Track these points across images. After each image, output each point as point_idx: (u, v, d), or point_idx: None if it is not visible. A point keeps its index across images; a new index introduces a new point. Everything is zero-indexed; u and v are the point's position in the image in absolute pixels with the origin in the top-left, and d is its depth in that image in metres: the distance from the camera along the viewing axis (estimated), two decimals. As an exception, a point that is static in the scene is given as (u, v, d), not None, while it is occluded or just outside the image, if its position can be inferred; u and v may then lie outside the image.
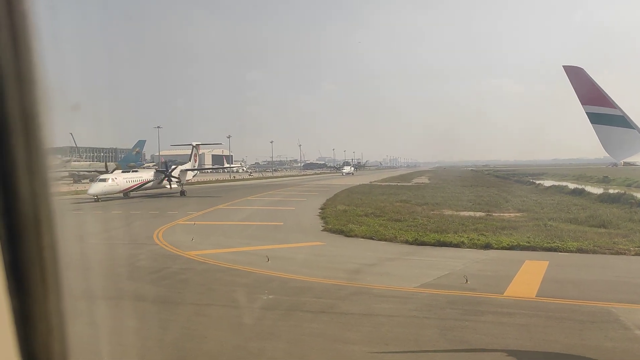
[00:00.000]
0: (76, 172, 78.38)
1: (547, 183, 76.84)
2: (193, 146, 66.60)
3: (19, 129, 1.34)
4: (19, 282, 1.44)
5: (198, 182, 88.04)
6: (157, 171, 57.50)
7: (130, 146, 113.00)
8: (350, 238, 24.93)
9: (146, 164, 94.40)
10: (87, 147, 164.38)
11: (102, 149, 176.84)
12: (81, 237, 25.89)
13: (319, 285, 15.28)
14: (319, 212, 36.42)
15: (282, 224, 30.58)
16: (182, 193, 55.84)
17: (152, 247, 22.36)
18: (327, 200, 47.21)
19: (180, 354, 9.87)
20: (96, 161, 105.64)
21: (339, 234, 26.17)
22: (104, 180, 48.52)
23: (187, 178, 61.38)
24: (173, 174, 56.63)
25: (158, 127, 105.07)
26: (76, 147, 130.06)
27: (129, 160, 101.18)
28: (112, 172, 53.51)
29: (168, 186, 56.10)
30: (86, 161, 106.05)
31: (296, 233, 26.81)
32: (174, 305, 13.63)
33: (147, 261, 19.48)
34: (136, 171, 59.45)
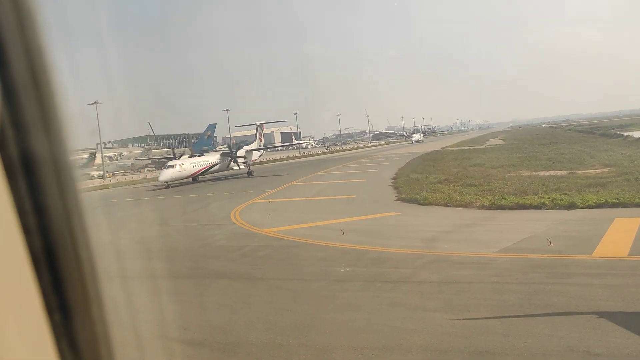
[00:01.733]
0: (157, 159, 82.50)
1: (637, 134, 71.69)
2: (257, 125, 66.88)
3: (40, 129, 1.44)
4: (55, 287, 1.55)
5: (269, 161, 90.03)
6: (222, 153, 58.06)
7: (202, 130, 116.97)
8: (424, 206, 24.70)
9: (218, 147, 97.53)
10: (163, 135, 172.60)
11: (177, 135, 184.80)
12: (163, 221, 27.47)
13: (396, 255, 15.36)
14: (392, 182, 36.24)
15: (354, 196, 30.75)
16: (250, 173, 56.14)
17: (231, 227, 23.29)
18: (399, 169, 46.79)
19: (266, 327, 10.36)
20: (172, 147, 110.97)
21: (413, 202, 25.97)
22: (172, 166, 49.81)
23: (253, 158, 61.79)
24: (238, 154, 57.18)
25: (227, 109, 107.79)
26: (154, 135, 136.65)
27: (202, 145, 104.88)
28: (179, 158, 54.79)
29: (235, 167, 56.66)
30: (164, 148, 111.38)
31: (369, 205, 26.90)
32: (256, 281, 14.23)
33: (227, 240, 20.35)
34: (202, 155, 60.79)
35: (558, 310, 9.89)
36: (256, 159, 65.27)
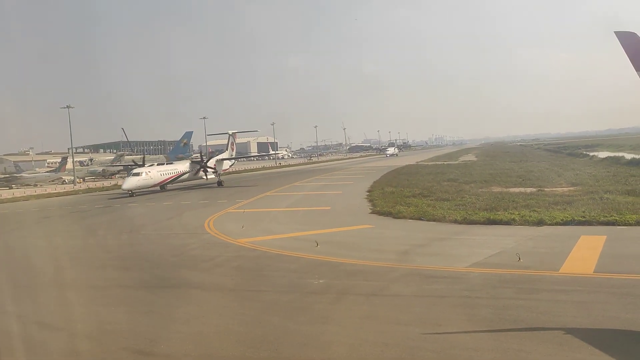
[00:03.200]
0: (129, 166, 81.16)
1: (602, 154, 73.77)
2: (229, 135, 65.20)
3: None
4: None
5: (244, 171, 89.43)
6: (192, 162, 56.62)
7: (178, 138, 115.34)
8: (398, 219, 24.78)
9: (194, 155, 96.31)
10: (138, 141, 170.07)
11: (152, 142, 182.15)
12: (135, 229, 26.91)
13: (369, 268, 15.32)
14: (366, 195, 36.35)
15: (329, 208, 30.71)
16: (220, 183, 55.17)
17: (205, 236, 22.95)
18: (374, 182, 46.97)
19: (237, 339, 10.15)
20: (147, 154, 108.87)
21: (387, 215, 26.04)
22: (137, 174, 48.21)
23: (223, 168, 60.16)
24: (208, 164, 55.77)
25: (204, 117, 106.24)
26: (128, 141, 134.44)
27: (178, 152, 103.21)
28: (145, 166, 52.79)
29: (204, 177, 55.34)
30: (137, 154, 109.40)
31: (344, 217, 26.87)
32: (229, 291, 13.99)
33: (200, 250, 20.03)
34: (171, 163, 58.93)
35: (526, 325, 9.96)
36: (227, 169, 63.78)
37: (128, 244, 22.62)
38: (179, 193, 48.59)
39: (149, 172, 49.81)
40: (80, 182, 72.88)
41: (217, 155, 63.82)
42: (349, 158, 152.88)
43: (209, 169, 55.51)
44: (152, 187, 49.90)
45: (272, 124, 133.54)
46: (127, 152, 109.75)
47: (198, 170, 55.01)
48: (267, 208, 33.00)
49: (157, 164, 56.76)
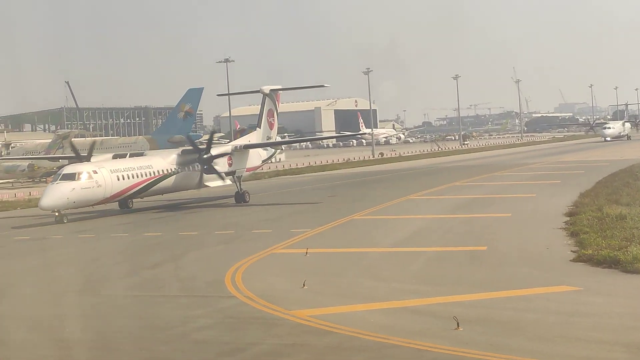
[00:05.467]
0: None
1: None
2: (264, 95, 65.31)
3: None
4: None
5: (307, 168, 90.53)
6: (183, 152, 57.08)
7: (175, 103, 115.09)
8: (634, 275, 24.36)
9: (204, 135, 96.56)
10: (98, 109, 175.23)
11: (125, 109, 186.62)
12: (89, 286, 27.83)
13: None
14: (564, 222, 36.14)
15: (485, 248, 30.70)
16: (240, 197, 56.27)
17: (226, 302, 23.44)
18: (580, 195, 46.55)
19: None
20: (111, 133, 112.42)
21: (610, 266, 25.76)
22: (70, 177, 48.07)
23: (250, 165, 60.86)
24: (215, 156, 55.69)
25: (226, 60, 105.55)
26: (77, 107, 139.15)
27: (171, 130, 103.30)
28: (85, 160, 53.19)
29: (214, 182, 56.42)
30: (93, 133, 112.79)
31: (515, 267, 26.83)
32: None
33: (216, 330, 20.41)
34: (142, 154, 59.93)
35: None
36: (258, 166, 65.05)
37: (77, 316, 23.39)
38: (169, 215, 49.74)
39: (95, 172, 49.84)
40: None
41: (241, 138, 64.12)
42: (525, 142, 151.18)
43: (217, 166, 55.68)
44: (100, 202, 50.95)
45: (367, 72, 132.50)
46: (77, 130, 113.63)
47: (190, 165, 55.82)
48: (352, 247, 33.35)
49: (114, 156, 56.33)
